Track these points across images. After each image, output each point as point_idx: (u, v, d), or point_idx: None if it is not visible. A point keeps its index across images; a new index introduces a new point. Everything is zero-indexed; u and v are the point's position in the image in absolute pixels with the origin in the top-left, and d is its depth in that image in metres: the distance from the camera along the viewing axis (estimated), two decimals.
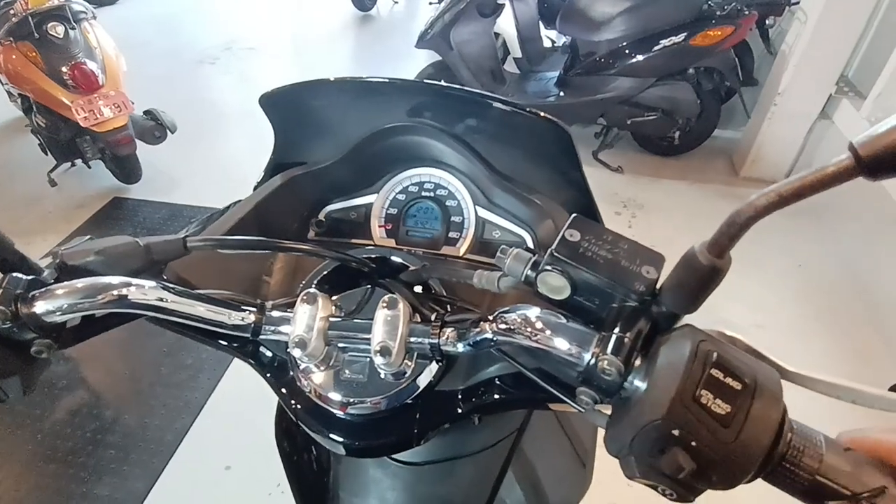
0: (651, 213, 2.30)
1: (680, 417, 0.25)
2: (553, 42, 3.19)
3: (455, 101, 0.59)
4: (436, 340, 0.41)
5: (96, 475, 1.45)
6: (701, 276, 0.27)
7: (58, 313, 0.38)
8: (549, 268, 0.32)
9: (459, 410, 0.46)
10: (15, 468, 1.48)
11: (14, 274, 0.38)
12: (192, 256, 0.46)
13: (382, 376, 0.45)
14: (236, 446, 1.50)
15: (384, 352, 0.40)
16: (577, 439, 0.83)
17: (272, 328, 0.43)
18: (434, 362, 0.45)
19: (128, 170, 2.44)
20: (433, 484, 0.68)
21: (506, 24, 2.75)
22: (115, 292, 0.39)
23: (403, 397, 0.45)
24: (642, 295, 0.30)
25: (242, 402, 1.59)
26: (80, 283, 0.39)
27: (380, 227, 0.65)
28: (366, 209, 0.66)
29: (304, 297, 0.42)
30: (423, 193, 0.65)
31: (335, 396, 0.46)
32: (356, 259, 0.48)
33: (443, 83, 0.59)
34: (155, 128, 2.37)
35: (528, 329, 0.34)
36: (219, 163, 2.81)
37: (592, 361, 0.30)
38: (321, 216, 0.66)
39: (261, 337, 0.43)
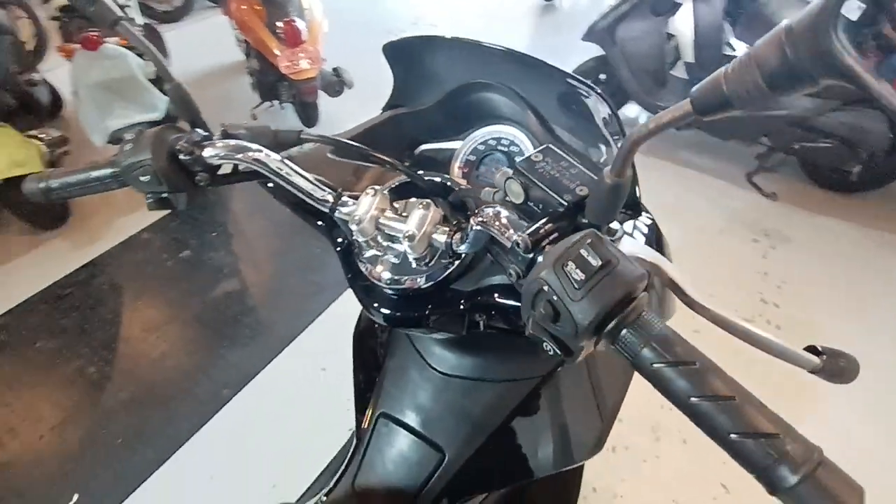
0: (795, 250, 2.08)
1: (550, 278, 0.34)
2: (734, 50, 2.96)
3: (521, 64, 0.69)
4: (449, 239, 0.52)
5: (231, 345, 1.83)
6: (608, 193, 0.35)
7: (215, 159, 0.58)
8: (511, 176, 0.42)
9: (462, 306, 0.58)
10: (179, 326, 1.93)
11: (197, 129, 0.59)
12: (307, 152, 0.64)
13: (411, 262, 0.58)
14: (334, 352, 1.76)
15: (410, 238, 0.53)
16: (603, 400, 0.88)
17: (343, 209, 0.58)
18: (452, 262, 0.57)
19: (309, 115, 2.88)
20: (457, 395, 0.80)
21: (683, 26, 2.63)
22: (251, 154, 0.58)
23: (426, 281, 0.58)
24: (569, 204, 0.39)
25: (347, 318, 1.86)
26: (231, 142, 0.58)
27: (458, 168, 0.78)
28: (450, 153, 0.79)
29: (369, 192, 0.57)
30: (499, 147, 0.76)
31: (379, 274, 0.60)
32: (417, 176, 0.62)
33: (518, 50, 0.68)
34: (337, 83, 2.76)
35: (495, 222, 0.44)
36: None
37: (516, 240, 0.40)
38: (416, 152, 0.80)
39: (335, 215, 0.59)
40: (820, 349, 0.43)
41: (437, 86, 0.76)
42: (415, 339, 0.86)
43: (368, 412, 0.89)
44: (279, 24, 2.56)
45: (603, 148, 0.67)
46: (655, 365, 0.33)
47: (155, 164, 0.57)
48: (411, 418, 0.82)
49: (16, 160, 2.02)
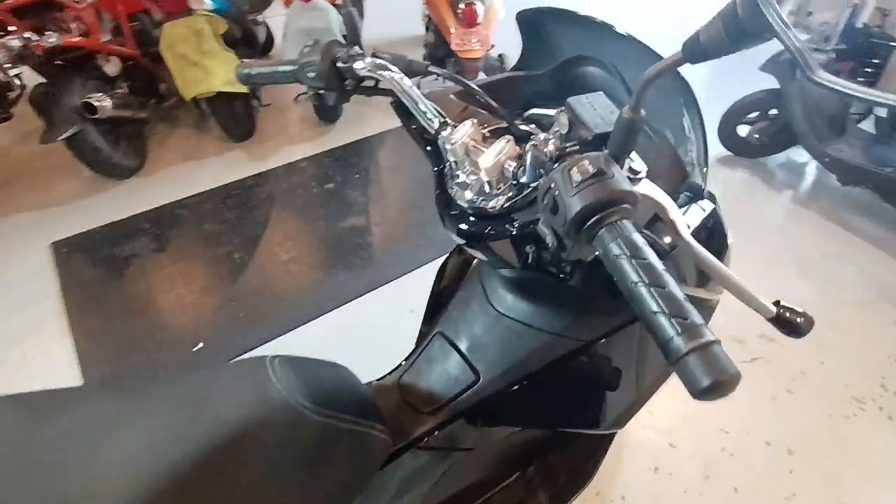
0: None
1: (556, 177, 0.44)
2: None
3: (633, 47, 0.76)
4: (516, 171, 0.64)
5: (343, 268, 2.11)
6: (624, 127, 0.44)
7: (363, 71, 0.75)
8: (563, 110, 0.52)
9: (514, 231, 0.68)
10: (308, 241, 2.26)
11: (356, 48, 0.76)
12: (435, 90, 0.78)
13: (486, 189, 0.70)
14: (423, 301, 1.94)
15: (485, 161, 0.65)
16: (643, 378, 0.92)
17: (444, 132, 0.72)
18: (517, 193, 0.68)
19: None
20: (505, 334, 0.91)
21: None
22: (389, 73, 0.74)
23: (493, 205, 0.70)
24: (595, 135, 0.48)
25: None
26: (377, 61, 0.75)
27: None
28: (553, 120, 0.89)
29: (468, 122, 0.70)
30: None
31: (461, 195, 0.73)
32: (511, 121, 0.73)
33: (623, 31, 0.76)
34: (499, 68, 2.92)
35: (542, 146, 0.54)
36: None
37: (546, 152, 0.50)
38: (525, 114, 0.91)
39: (438, 137, 0.73)
40: (780, 303, 0.47)
41: (555, 55, 0.85)
42: (484, 277, 0.98)
43: (429, 329, 1.03)
44: (461, 5, 2.79)
45: (686, 124, 0.73)
46: (617, 258, 0.41)
47: (321, 66, 0.76)
48: (461, 342, 0.94)
49: (230, 80, 2.50)
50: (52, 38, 2.13)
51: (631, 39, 0.77)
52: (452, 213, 0.75)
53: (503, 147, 0.65)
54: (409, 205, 2.47)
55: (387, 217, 2.43)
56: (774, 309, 0.47)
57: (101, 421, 0.60)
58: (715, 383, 0.35)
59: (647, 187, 0.49)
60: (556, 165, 0.49)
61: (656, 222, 0.53)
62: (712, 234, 0.77)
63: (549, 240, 0.49)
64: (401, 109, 0.78)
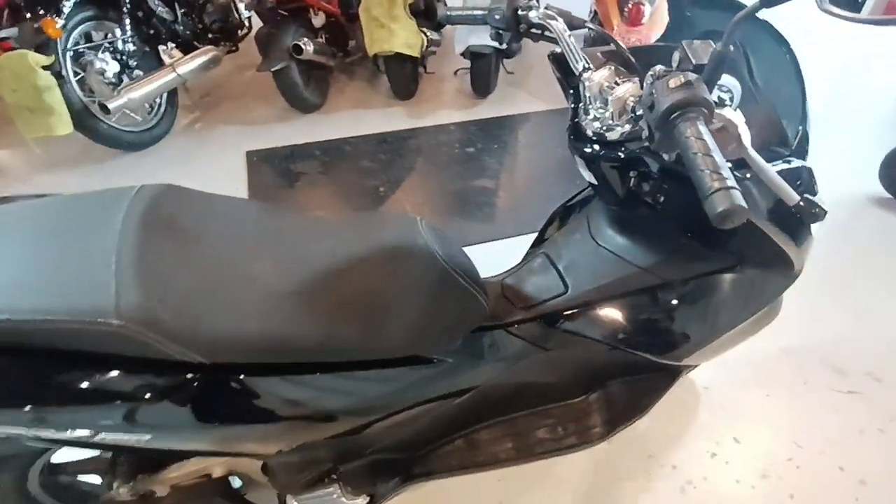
0: None
1: (657, 85, 0.64)
2: None
3: (766, 33, 0.89)
4: (636, 107, 0.82)
5: (466, 220, 2.38)
6: (713, 59, 0.62)
7: (535, 19, 0.97)
8: (677, 49, 0.70)
9: (622, 155, 0.87)
10: (439, 190, 2.56)
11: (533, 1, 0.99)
12: (592, 48, 0.99)
13: (611, 121, 0.88)
14: None
15: (614, 95, 0.84)
16: (715, 323, 1.04)
17: (586, 73, 0.92)
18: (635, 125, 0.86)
19: None
20: (597, 260, 1.09)
21: None
22: (555, 24, 0.96)
23: (612, 134, 0.88)
24: (694, 65, 0.66)
25: None
26: (548, 13, 0.96)
27: None
28: None
29: (607, 67, 0.89)
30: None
31: (590, 124, 0.93)
32: (640, 70, 0.91)
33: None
34: None
35: (658, 75, 0.72)
36: None
37: (653, 72, 0.68)
38: None
39: (581, 77, 0.93)
40: (804, 195, 0.62)
41: (692, 28, 1.01)
42: (590, 213, 1.17)
43: (535, 250, 1.24)
44: (630, 4, 2.89)
45: (795, 101, 0.86)
46: (687, 139, 0.59)
47: (505, 11, 1.00)
48: (560, 262, 1.15)
49: (409, 43, 2.88)
50: None
51: (766, 26, 0.91)
52: (579, 140, 0.95)
53: (630, 87, 0.85)
54: (536, 180, 2.67)
55: (513, 185, 2.65)
56: (797, 198, 0.62)
57: (280, 230, 0.89)
58: (725, 210, 0.53)
59: (728, 112, 0.66)
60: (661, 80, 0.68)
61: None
62: (810, 192, 0.89)
63: (645, 134, 0.68)
64: (556, 61, 0.99)
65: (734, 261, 1.00)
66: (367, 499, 1.04)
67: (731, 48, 0.62)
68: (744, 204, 0.53)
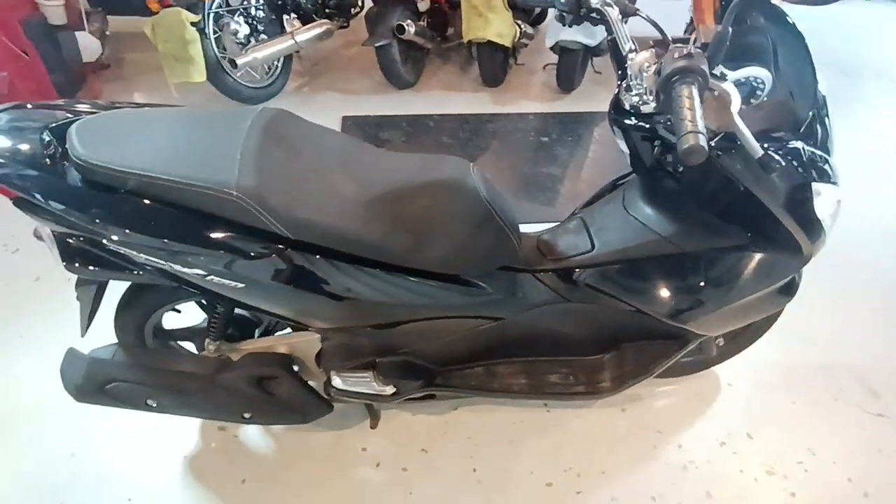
0: None
1: (665, 59, 0.79)
2: None
3: (790, 33, 1.00)
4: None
5: (527, 198, 2.53)
6: (715, 38, 0.76)
7: (594, 3, 1.13)
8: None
9: (648, 125, 1.02)
10: (512, 168, 2.73)
11: None
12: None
13: (647, 94, 1.03)
14: None
15: (649, 72, 0.99)
16: (722, 293, 1.16)
17: (631, 55, 1.06)
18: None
19: None
20: (625, 226, 1.24)
21: None
22: (608, 8, 1.11)
23: (647, 108, 1.03)
24: (701, 46, 0.80)
25: None
26: None
27: None
28: None
29: (648, 50, 1.04)
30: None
31: (629, 99, 1.08)
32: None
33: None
34: None
35: (670, 53, 0.87)
36: None
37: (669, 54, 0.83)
38: None
39: (627, 58, 1.07)
40: (768, 149, 0.75)
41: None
42: (626, 188, 1.31)
43: (572, 216, 1.40)
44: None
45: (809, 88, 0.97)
46: (679, 97, 0.74)
47: None
48: (592, 225, 1.30)
49: (501, 32, 3.06)
50: None
51: (792, 27, 1.02)
52: (619, 114, 1.11)
53: (646, 55, 1.00)
54: (602, 174, 2.75)
55: (579, 176, 2.77)
56: (762, 151, 0.76)
57: (360, 157, 1.11)
58: (689, 147, 0.69)
59: (726, 85, 0.80)
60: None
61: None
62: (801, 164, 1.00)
63: (650, 100, 0.83)
64: (612, 47, 1.14)
65: (747, 239, 1.11)
66: (394, 390, 1.26)
67: (730, 30, 0.76)
68: (705, 146, 0.68)
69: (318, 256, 0.99)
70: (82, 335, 1.25)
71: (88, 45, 2.92)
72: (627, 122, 1.07)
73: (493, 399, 1.57)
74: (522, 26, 3.23)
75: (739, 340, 1.58)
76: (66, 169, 0.91)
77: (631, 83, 1.06)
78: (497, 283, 1.21)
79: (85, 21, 2.95)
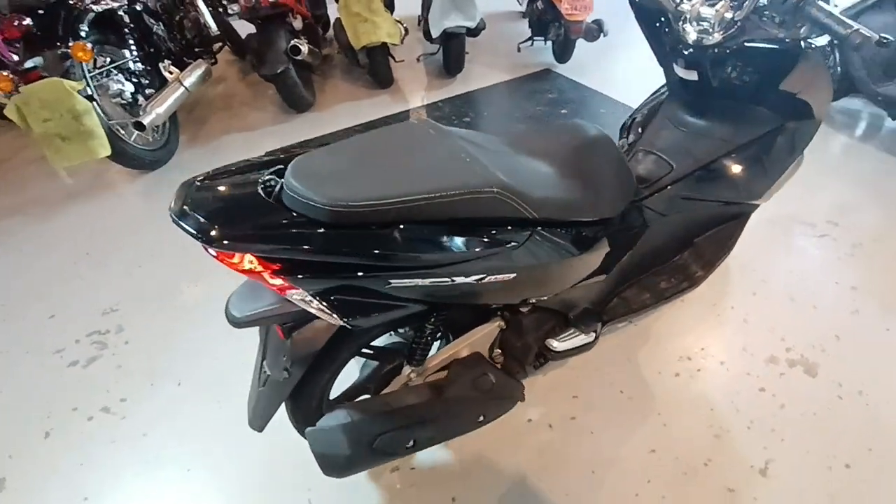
0: None
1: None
2: None
3: None
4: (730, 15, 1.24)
5: None
6: None
7: None
8: None
9: (713, 52, 1.29)
10: None
11: None
12: None
13: (710, 28, 1.30)
14: None
15: (713, 9, 1.25)
16: (773, 165, 1.49)
17: (684, 4, 1.32)
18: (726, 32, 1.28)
19: (566, 50, 3.70)
20: (685, 140, 1.50)
21: None
22: None
23: (711, 41, 1.30)
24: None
25: None
26: None
27: None
28: None
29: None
30: None
31: (689, 32, 1.33)
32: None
33: None
34: (595, 30, 3.51)
35: None
36: (622, 66, 3.87)
37: None
38: None
39: (672, 14, 1.33)
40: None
41: None
42: (667, 113, 1.58)
43: (631, 148, 1.62)
44: None
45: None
46: (816, 13, 1.01)
47: None
48: (658, 150, 1.54)
49: (390, 32, 3.16)
50: None
51: None
52: (675, 52, 1.36)
53: (724, 2, 1.26)
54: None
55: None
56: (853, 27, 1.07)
57: (526, 146, 1.21)
58: (859, 43, 0.96)
59: None
60: None
61: None
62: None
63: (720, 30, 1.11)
64: (638, 7, 1.38)
65: (781, 120, 1.45)
66: (593, 335, 1.39)
67: None
68: (871, 35, 0.96)
69: (558, 229, 1.07)
70: (261, 429, 1.14)
71: None
72: (695, 57, 1.33)
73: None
74: (403, 23, 3.35)
75: (717, 256, 1.79)
76: (308, 224, 0.85)
77: (687, 25, 1.32)
78: (626, 217, 1.40)
79: None
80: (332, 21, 3.80)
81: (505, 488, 1.43)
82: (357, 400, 1.27)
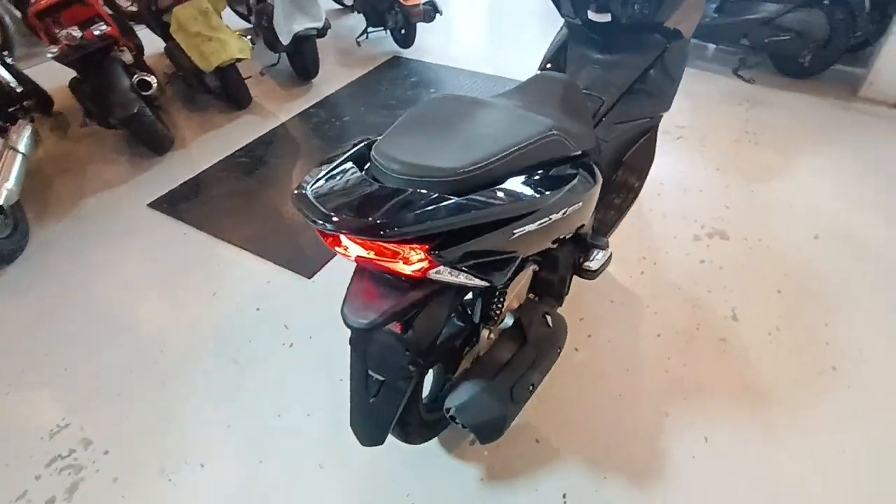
0: (765, 106, 3.06)
1: None
2: None
3: None
4: None
5: None
6: None
7: None
8: None
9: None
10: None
11: None
12: None
13: None
14: None
15: None
16: (670, 80, 1.84)
17: None
18: None
19: (408, 36, 3.84)
20: (604, 70, 1.76)
21: None
22: None
23: None
24: None
25: None
26: None
27: None
28: None
29: None
30: None
31: None
32: None
33: None
34: (431, 10, 3.71)
35: None
36: (463, 38, 4.14)
37: None
38: None
39: None
40: None
41: None
42: (576, 55, 1.82)
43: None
44: None
45: None
46: None
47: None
48: (585, 87, 1.77)
49: (241, 48, 2.96)
50: (102, 28, 2.44)
51: None
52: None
53: None
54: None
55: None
56: None
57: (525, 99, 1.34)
58: None
59: None
60: None
61: None
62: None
63: None
64: None
65: (666, 42, 1.79)
66: (610, 250, 1.60)
67: None
68: None
69: (584, 160, 1.22)
70: (382, 442, 1.14)
71: None
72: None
73: None
74: (248, 35, 3.16)
75: (645, 165, 2.21)
76: (437, 199, 0.88)
77: None
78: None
79: None
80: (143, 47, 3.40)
81: (572, 417, 1.58)
82: (464, 370, 1.29)
